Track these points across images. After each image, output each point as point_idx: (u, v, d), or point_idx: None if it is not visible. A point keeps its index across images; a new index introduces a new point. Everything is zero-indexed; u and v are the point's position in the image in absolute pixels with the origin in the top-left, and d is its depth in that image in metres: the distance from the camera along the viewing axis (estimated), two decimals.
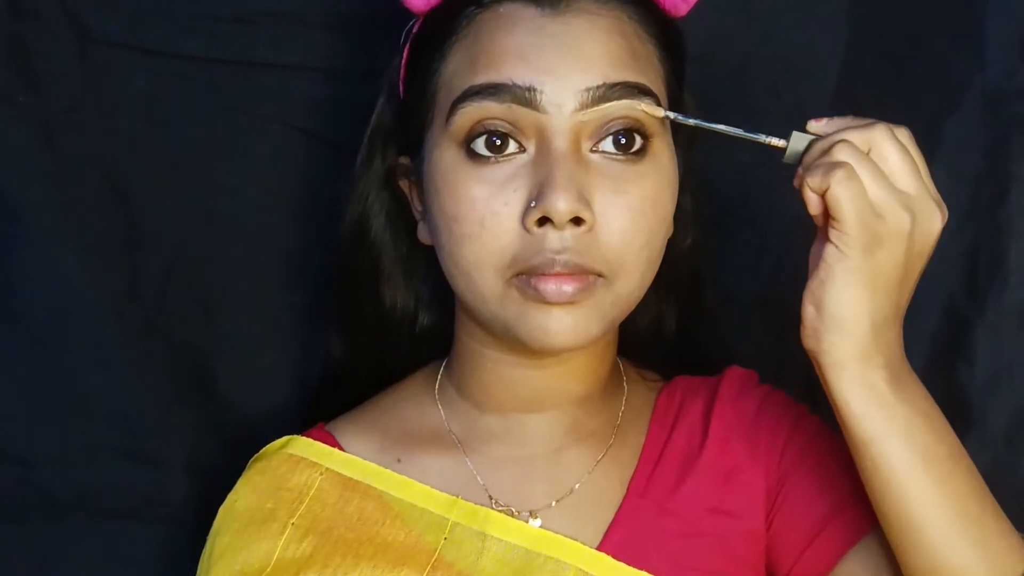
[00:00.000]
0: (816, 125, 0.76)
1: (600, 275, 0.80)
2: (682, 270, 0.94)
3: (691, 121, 0.81)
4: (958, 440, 0.77)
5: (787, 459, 0.87)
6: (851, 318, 0.72)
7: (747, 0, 1.06)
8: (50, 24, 1.01)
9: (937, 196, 0.74)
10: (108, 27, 1.02)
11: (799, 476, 0.86)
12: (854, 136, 0.73)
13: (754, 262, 1.07)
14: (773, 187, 1.06)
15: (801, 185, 0.74)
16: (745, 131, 0.78)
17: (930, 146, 1.00)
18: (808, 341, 0.75)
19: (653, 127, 0.82)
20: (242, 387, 1.07)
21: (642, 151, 0.82)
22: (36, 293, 1.02)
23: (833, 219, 0.72)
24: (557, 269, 0.78)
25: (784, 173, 1.05)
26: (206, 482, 1.02)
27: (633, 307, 0.85)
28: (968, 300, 1.01)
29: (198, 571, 0.89)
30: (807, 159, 0.75)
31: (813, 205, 0.73)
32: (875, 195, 0.71)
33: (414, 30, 0.88)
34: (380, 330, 0.96)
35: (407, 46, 0.89)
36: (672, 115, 0.81)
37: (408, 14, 0.88)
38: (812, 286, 0.74)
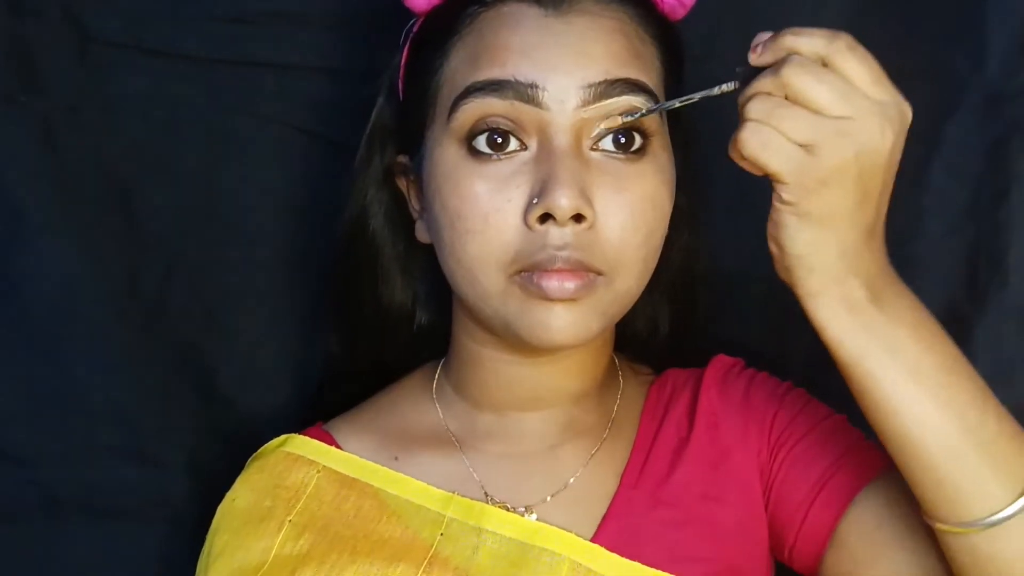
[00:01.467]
0: (755, 56, 0.71)
1: (600, 273, 0.80)
2: (675, 269, 0.95)
3: (652, 110, 0.80)
4: (955, 349, 0.75)
5: (776, 432, 0.87)
6: (814, 254, 0.70)
7: (747, 0, 1.06)
8: (50, 24, 1.01)
9: (891, 98, 0.69)
10: (108, 27, 1.02)
11: (790, 445, 0.87)
12: (766, 85, 0.68)
13: (753, 261, 1.07)
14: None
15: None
16: (698, 95, 0.76)
17: (930, 146, 1.01)
18: (781, 274, 0.73)
19: (652, 127, 0.82)
20: (242, 387, 1.07)
21: (642, 150, 0.82)
22: (36, 293, 1.02)
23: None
24: (559, 265, 0.79)
25: None
26: (206, 482, 1.02)
27: (631, 305, 0.85)
28: (968, 300, 1.01)
29: (197, 569, 0.89)
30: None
31: (748, 167, 0.71)
32: (801, 135, 0.67)
33: (414, 30, 0.89)
34: (379, 328, 0.96)
35: (407, 45, 0.89)
36: (626, 119, 0.80)
37: (408, 13, 0.88)
38: (769, 227, 0.71)
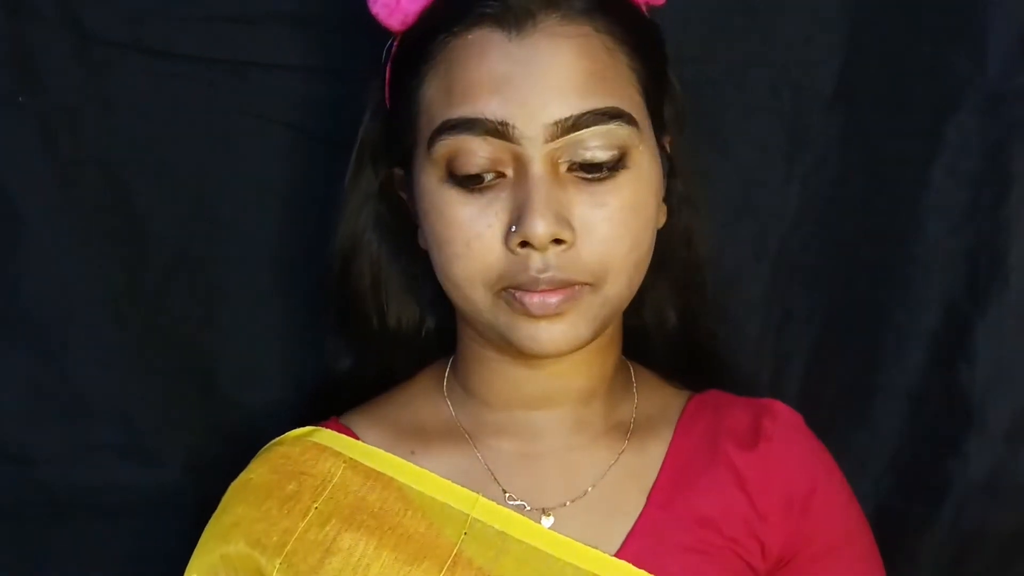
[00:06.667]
0: None
1: (586, 284, 0.81)
2: (677, 255, 0.94)
3: None
4: None
5: (804, 542, 0.88)
6: None
7: (747, 0, 1.06)
8: (50, 24, 1.01)
9: None
10: (108, 27, 1.02)
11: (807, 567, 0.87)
12: None
13: (754, 261, 1.07)
14: (773, 186, 1.06)
15: None
16: None
17: (930, 146, 1.01)
18: None
19: (630, 141, 0.82)
20: (242, 386, 1.07)
21: (618, 165, 0.82)
22: (36, 293, 1.02)
23: None
24: (542, 287, 0.80)
25: (783, 172, 1.06)
26: (206, 481, 1.02)
27: (624, 307, 0.86)
28: (969, 300, 1.01)
29: (202, 539, 0.89)
30: None
31: None
32: None
33: (393, 48, 0.89)
34: (388, 343, 0.96)
35: (388, 65, 0.90)
36: None
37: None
38: None
